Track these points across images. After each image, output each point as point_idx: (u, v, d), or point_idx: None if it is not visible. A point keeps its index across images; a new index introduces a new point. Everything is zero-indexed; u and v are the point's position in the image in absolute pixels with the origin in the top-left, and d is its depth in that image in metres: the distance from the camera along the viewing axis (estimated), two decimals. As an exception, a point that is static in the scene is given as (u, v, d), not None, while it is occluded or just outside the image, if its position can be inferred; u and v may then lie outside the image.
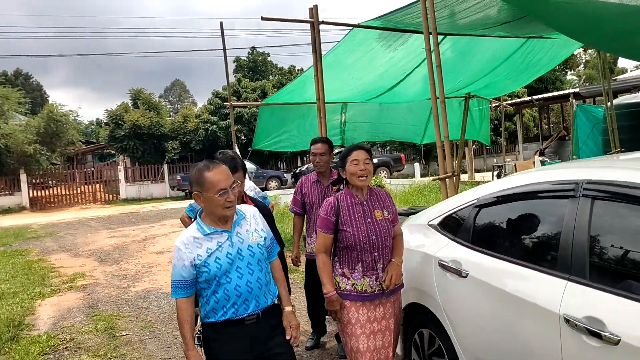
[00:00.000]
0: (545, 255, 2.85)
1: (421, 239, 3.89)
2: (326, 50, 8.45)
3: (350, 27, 7.77)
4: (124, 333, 6.17)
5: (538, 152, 20.95)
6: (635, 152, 3.42)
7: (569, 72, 40.01)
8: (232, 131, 11.11)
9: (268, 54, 40.11)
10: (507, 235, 3.27)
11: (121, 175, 31.92)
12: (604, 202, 2.54)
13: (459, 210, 3.63)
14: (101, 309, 7.31)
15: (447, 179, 6.07)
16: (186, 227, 5.05)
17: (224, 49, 11.28)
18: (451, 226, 3.67)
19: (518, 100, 25.11)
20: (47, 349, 5.72)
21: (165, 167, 32.88)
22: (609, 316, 2.29)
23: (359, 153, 3.51)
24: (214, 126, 32.81)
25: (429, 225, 3.89)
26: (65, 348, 5.78)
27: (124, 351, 5.56)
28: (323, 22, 7.16)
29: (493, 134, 27.34)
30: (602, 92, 10.20)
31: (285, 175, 31.47)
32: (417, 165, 28.57)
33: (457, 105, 12.02)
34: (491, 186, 3.47)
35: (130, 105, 34.77)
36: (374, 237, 3.44)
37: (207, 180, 2.82)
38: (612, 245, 2.53)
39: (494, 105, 16.40)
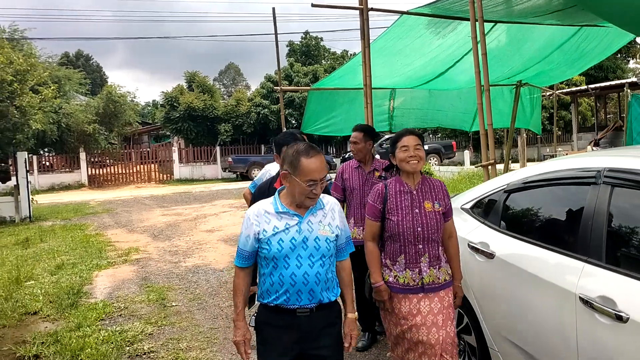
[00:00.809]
0: (566, 238, 3.00)
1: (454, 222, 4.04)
2: (376, 36, 8.59)
3: (400, 14, 7.89)
4: (173, 304, 6.55)
5: (592, 143, 20.44)
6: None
7: (631, 60, 38.59)
8: (281, 115, 11.37)
9: (321, 39, 40.27)
10: (532, 219, 3.40)
11: (175, 156, 32.82)
12: (623, 189, 2.66)
13: (490, 195, 3.77)
14: (153, 281, 7.73)
15: (489, 166, 6.16)
16: (248, 203, 5.19)
17: (276, 34, 11.52)
18: (482, 210, 3.81)
19: (574, 89, 24.53)
20: (103, 315, 6.13)
21: (218, 149, 33.61)
22: (620, 296, 2.43)
23: (408, 139, 3.36)
24: (266, 110, 33.27)
25: (462, 208, 4.04)
26: (120, 315, 6.19)
27: (173, 320, 5.92)
28: (372, 9, 7.28)
29: (548, 123, 26.83)
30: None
31: (334, 159, 31.69)
32: (467, 152, 28.32)
33: (508, 93, 11.92)
34: (521, 172, 3.60)
35: (185, 87, 35.61)
36: (419, 229, 3.27)
37: (302, 165, 2.68)
38: (628, 231, 2.65)
39: (547, 93, 16.13)
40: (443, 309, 3.29)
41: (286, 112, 29.54)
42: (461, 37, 8.38)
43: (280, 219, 2.76)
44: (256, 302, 3.18)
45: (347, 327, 2.92)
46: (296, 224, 2.75)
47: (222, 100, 37.67)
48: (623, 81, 20.29)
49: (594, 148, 18.19)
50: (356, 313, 3.03)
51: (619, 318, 2.38)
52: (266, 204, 2.83)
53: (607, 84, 22.98)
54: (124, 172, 31.49)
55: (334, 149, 38.32)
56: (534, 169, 3.49)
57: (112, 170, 31.36)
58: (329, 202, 2.94)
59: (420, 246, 3.30)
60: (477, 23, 5.99)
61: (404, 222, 3.30)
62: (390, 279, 3.35)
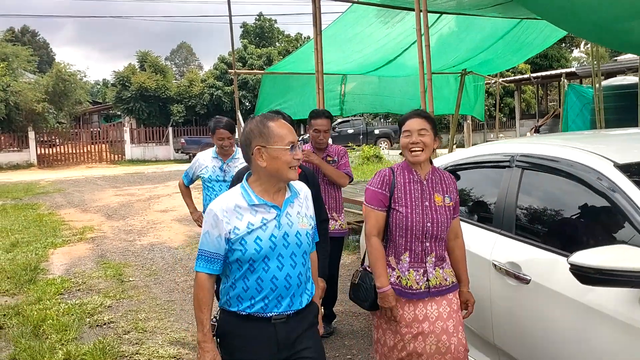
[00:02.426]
0: (486, 214, 3.45)
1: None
2: (329, 21, 8.93)
3: (351, 3, 8.23)
4: (130, 279, 6.80)
5: (533, 129, 21.40)
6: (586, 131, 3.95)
7: (575, 49, 40.00)
8: (235, 98, 11.61)
9: (275, 21, 40.33)
10: (460, 197, 3.83)
11: (127, 137, 32.50)
12: (531, 172, 3.12)
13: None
14: (109, 258, 7.94)
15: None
16: (183, 194, 5.31)
17: (230, 15, 11.65)
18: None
19: (518, 77, 25.44)
20: (62, 290, 6.35)
21: (170, 130, 33.43)
22: (524, 262, 2.87)
23: (412, 122, 2.93)
24: (219, 91, 33.25)
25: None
26: (78, 290, 6.42)
27: (131, 294, 6.19)
28: (324, -2, 7.60)
29: (493, 110, 27.74)
30: (592, 73, 10.66)
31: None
32: (417, 137, 28.99)
33: (454, 81, 12.46)
34: (453, 156, 4.02)
35: (137, 67, 35.16)
36: (429, 224, 2.89)
37: (274, 130, 2.37)
38: (533, 206, 3.12)
39: (492, 81, 16.81)
40: (452, 313, 2.93)
41: (240, 94, 29.56)
42: (409, 26, 8.79)
43: (255, 214, 2.38)
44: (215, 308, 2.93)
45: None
46: (274, 218, 2.39)
47: (175, 81, 37.39)
48: (562, 71, 21.24)
49: (534, 134, 19.08)
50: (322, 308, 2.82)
51: (523, 280, 2.82)
52: (234, 196, 2.42)
53: (548, 73, 23.95)
54: (74, 152, 31.00)
55: (288, 132, 38.55)
56: (463, 153, 3.92)
57: (62, 150, 30.83)
58: (302, 188, 2.61)
59: (427, 244, 2.93)
60: (421, 14, 6.37)
61: (414, 215, 2.90)
62: (392, 279, 2.95)
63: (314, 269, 2.70)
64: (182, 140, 30.20)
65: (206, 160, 4.93)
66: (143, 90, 32.55)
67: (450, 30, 9.62)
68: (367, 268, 3.12)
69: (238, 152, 4.85)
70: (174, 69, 57.75)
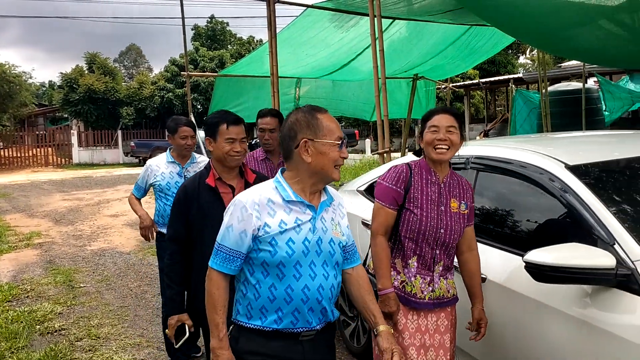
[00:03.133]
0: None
1: (350, 202, 4.49)
2: (283, 24, 8.95)
3: (305, 7, 8.28)
4: (82, 285, 6.64)
5: (483, 133, 21.90)
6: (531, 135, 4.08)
7: (521, 56, 41.12)
8: (188, 100, 11.49)
9: (227, 24, 40.07)
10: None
11: (74, 140, 31.71)
12: (484, 173, 3.21)
13: (381, 178, 4.25)
14: (59, 264, 7.73)
15: (384, 154, 6.68)
16: (135, 208, 4.58)
17: (182, 18, 11.54)
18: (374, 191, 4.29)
19: (467, 82, 25.99)
20: (10, 297, 6.15)
21: (119, 133, 32.78)
22: (482, 262, 2.94)
23: (440, 118, 2.74)
24: (170, 94, 32.78)
25: (357, 190, 4.50)
26: (27, 297, 6.23)
27: (82, 300, 6.05)
28: (279, 2, 7.62)
29: (444, 114, 28.24)
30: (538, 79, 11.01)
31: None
32: (368, 141, 29.35)
33: (406, 86, 12.65)
34: (407, 158, 4.09)
35: (85, 69, 34.37)
36: (442, 231, 2.73)
37: (323, 123, 2.14)
38: (488, 207, 3.20)
39: (442, 86, 17.12)
40: (450, 327, 2.83)
41: (192, 97, 29.31)
42: (362, 31, 8.87)
43: (289, 212, 2.13)
44: (186, 335, 2.89)
45: (387, 341, 2.21)
46: (309, 220, 2.14)
47: (125, 83, 36.71)
48: (509, 77, 21.82)
49: (483, 138, 19.52)
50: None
51: (481, 279, 2.90)
52: (268, 190, 2.17)
53: (497, 78, 24.57)
54: (18, 155, 30.07)
55: (240, 135, 38.36)
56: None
57: (6, 154, 29.85)
58: (336, 194, 2.35)
59: (438, 251, 2.77)
60: (375, 19, 6.45)
61: (428, 219, 2.72)
62: (396, 284, 2.79)
63: (363, 284, 2.34)
64: (132, 144, 29.62)
65: (160, 166, 4.48)
66: (91, 92, 31.79)
67: (402, 35, 9.78)
68: (370, 270, 2.95)
69: (196, 156, 4.56)
70: (123, 71, 56.64)
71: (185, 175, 4.39)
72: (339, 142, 2.14)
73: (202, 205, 2.96)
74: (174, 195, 4.16)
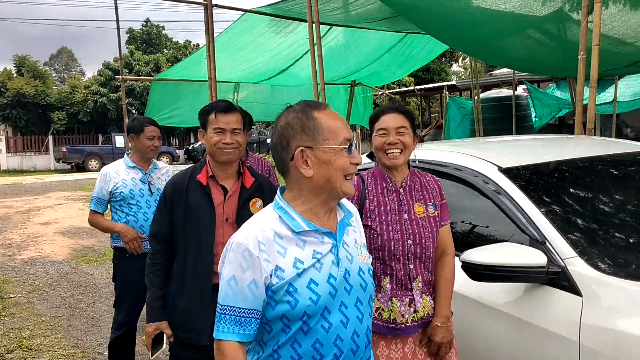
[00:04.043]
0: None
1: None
2: (221, 29, 8.89)
3: (243, 12, 8.25)
4: (11, 295, 6.38)
5: (417, 139, 22.37)
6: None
7: (454, 64, 42.24)
8: (122, 105, 11.23)
9: (163, 27, 39.50)
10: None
11: (2, 145, 30.47)
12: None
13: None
14: (-15, 275, 7.40)
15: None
16: (101, 228, 4.02)
17: (117, 20, 11.28)
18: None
19: (403, 89, 26.49)
20: None
21: (50, 138, 31.69)
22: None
23: (389, 118, 2.50)
24: (104, 98, 32.00)
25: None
26: (-50, 309, 5.94)
27: (13, 311, 5.81)
28: (216, 6, 7.56)
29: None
30: (471, 86, 11.36)
31: (177, 151, 31.37)
32: (308, 146, 29.44)
33: (344, 91, 12.78)
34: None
35: (14, 72, 33.11)
36: (410, 242, 2.42)
37: (323, 123, 1.67)
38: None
39: (379, 93, 17.38)
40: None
41: (127, 101, 28.71)
42: (301, 36, 8.93)
43: (302, 245, 1.66)
44: (164, 345, 2.73)
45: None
46: (330, 251, 1.69)
47: (56, 87, 35.57)
48: (443, 84, 22.38)
49: (419, 143, 19.92)
50: None
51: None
52: (269, 221, 1.69)
53: (431, 85, 25.15)
54: (-61, 161, 28.62)
55: (177, 140, 37.79)
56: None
57: None
58: (352, 206, 1.94)
59: (412, 266, 2.43)
60: (313, 26, 6.50)
61: (390, 232, 2.42)
62: None
63: None
64: (64, 149, 28.67)
65: (119, 172, 3.99)
66: (20, 96, 30.65)
67: (339, 42, 9.89)
68: None
69: (157, 162, 4.17)
70: (54, 75, 54.82)
71: (149, 182, 4.01)
72: (347, 145, 1.67)
73: (189, 205, 2.73)
74: (139, 205, 3.93)
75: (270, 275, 1.60)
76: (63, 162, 29.29)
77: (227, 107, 2.75)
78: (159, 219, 2.81)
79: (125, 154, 4.14)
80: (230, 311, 1.62)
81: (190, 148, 30.99)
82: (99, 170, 27.01)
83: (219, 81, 7.76)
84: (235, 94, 12.02)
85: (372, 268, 1.82)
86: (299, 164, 1.65)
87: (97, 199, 3.98)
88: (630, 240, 2.64)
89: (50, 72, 48.49)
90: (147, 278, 2.79)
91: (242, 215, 2.66)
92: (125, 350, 4.00)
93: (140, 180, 4.00)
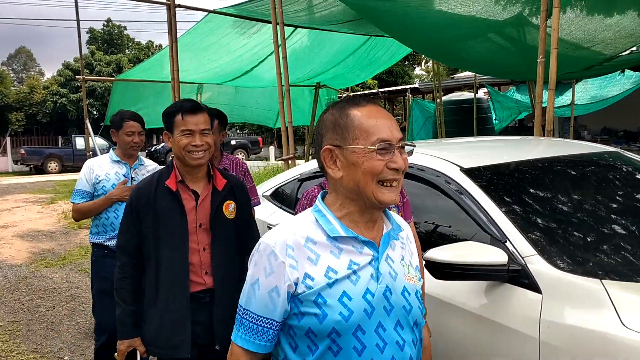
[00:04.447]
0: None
1: (256, 208, 4.49)
2: (185, 30, 8.81)
3: (207, 12, 8.19)
4: (-34, 301, 6.21)
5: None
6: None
7: (417, 67, 42.71)
8: (83, 106, 11.03)
9: (125, 27, 38.93)
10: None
11: (-44, 147, 29.61)
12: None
13: (285, 183, 4.28)
14: (-62, 280, 7.18)
15: (289, 160, 6.73)
16: (94, 211, 3.78)
17: (77, 20, 11.07)
18: (279, 196, 4.31)
19: (367, 92, 26.66)
20: None
21: (8, 139, 30.85)
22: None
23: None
24: (64, 99, 31.41)
25: (263, 196, 4.51)
26: None
27: (-33, 317, 5.65)
28: (179, 6, 7.48)
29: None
30: (434, 89, 11.51)
31: (139, 153, 30.96)
32: (272, 148, 29.40)
33: (309, 93, 12.82)
34: (311, 164, 4.15)
35: (-32, 71, 32.26)
36: None
37: (355, 120, 1.50)
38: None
39: (344, 95, 17.47)
40: None
41: (87, 102, 28.23)
42: (265, 38, 8.91)
43: (338, 254, 1.49)
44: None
45: None
46: (370, 263, 1.49)
47: (14, 87, 34.73)
48: (406, 87, 22.61)
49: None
50: None
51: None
52: (305, 224, 1.54)
53: (395, 88, 25.34)
54: None
55: (139, 142, 37.32)
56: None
57: None
58: (402, 221, 1.72)
59: None
60: (278, 27, 6.50)
61: None
62: None
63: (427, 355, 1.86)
64: (22, 151, 27.97)
65: (104, 166, 3.87)
66: (-25, 96, 29.89)
67: (304, 44, 9.91)
68: None
69: (144, 159, 4.09)
70: (12, 75, 53.49)
71: (133, 178, 3.90)
72: (381, 147, 1.46)
73: (158, 213, 2.57)
74: (121, 201, 3.75)
75: (296, 284, 1.44)
76: (21, 164, 28.59)
77: (195, 107, 2.60)
78: (126, 229, 2.65)
79: (111, 149, 4.04)
80: (248, 317, 1.51)
81: (152, 150, 30.56)
82: (58, 172, 26.55)
83: (182, 82, 7.69)
84: (199, 95, 11.94)
85: (420, 292, 1.62)
86: (327, 164, 1.53)
87: (81, 191, 3.83)
88: (588, 239, 2.71)
89: (8, 72, 47.35)
90: (116, 293, 2.64)
91: (216, 219, 2.62)
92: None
93: (124, 176, 3.89)
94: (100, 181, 3.82)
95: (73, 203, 3.86)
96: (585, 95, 13.00)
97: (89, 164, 3.91)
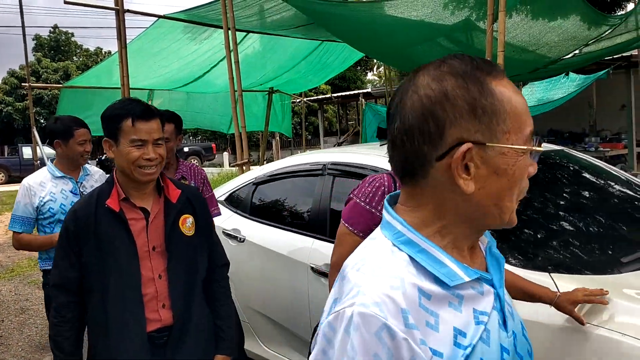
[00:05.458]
0: (302, 221, 3.61)
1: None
2: (134, 35, 8.68)
3: (157, 17, 8.10)
4: None
5: (336, 146, 22.71)
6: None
7: (369, 72, 43.16)
8: (30, 114, 10.75)
9: (72, 34, 38.12)
10: (275, 206, 3.97)
11: None
12: (341, 178, 3.35)
13: (240, 187, 4.27)
14: None
15: (243, 165, 6.70)
16: (35, 246, 3.39)
17: (23, 27, 10.81)
18: (234, 201, 4.28)
19: (320, 97, 26.80)
20: None
21: (-50, 150, 29.83)
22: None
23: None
24: (9, 107, 30.56)
25: (217, 200, 4.47)
26: None
27: None
28: (128, 11, 7.37)
29: (299, 128, 28.89)
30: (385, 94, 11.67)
31: (89, 161, 30.31)
32: (226, 154, 29.20)
33: (262, 99, 12.78)
34: (266, 167, 4.15)
35: None
36: None
37: (505, 103, 0.95)
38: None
39: (297, 100, 17.51)
40: None
41: (34, 111, 27.47)
42: (217, 43, 8.86)
43: (459, 304, 0.96)
44: None
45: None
46: (494, 308, 1.01)
47: (-45, 96, 33.56)
48: (360, 91, 22.83)
49: (338, 150, 20.22)
50: None
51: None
52: (402, 272, 0.93)
53: (348, 93, 25.57)
54: None
55: (88, 151, 36.57)
56: (277, 164, 4.06)
57: None
58: (487, 234, 1.18)
59: None
60: (229, 32, 6.47)
61: None
62: None
63: None
64: (-34, 162, 27.04)
65: (46, 185, 3.38)
66: None
67: (256, 50, 9.90)
68: None
69: (87, 167, 3.65)
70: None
71: (82, 193, 3.42)
72: (533, 145, 0.99)
73: (101, 238, 2.12)
74: None
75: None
76: (-35, 175, 27.62)
77: (147, 112, 2.14)
78: (62, 263, 2.17)
79: (49, 162, 3.52)
80: None
81: (103, 158, 29.81)
82: (5, 183, 25.69)
83: (132, 88, 7.58)
84: (150, 101, 11.77)
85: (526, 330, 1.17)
86: (458, 172, 0.93)
87: (21, 218, 3.32)
88: (538, 235, 2.78)
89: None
90: (52, 342, 2.17)
91: (173, 239, 2.21)
92: None
93: (72, 192, 3.43)
94: (45, 203, 3.34)
95: (13, 232, 3.37)
96: (532, 98, 13.33)
97: (26, 184, 3.39)
